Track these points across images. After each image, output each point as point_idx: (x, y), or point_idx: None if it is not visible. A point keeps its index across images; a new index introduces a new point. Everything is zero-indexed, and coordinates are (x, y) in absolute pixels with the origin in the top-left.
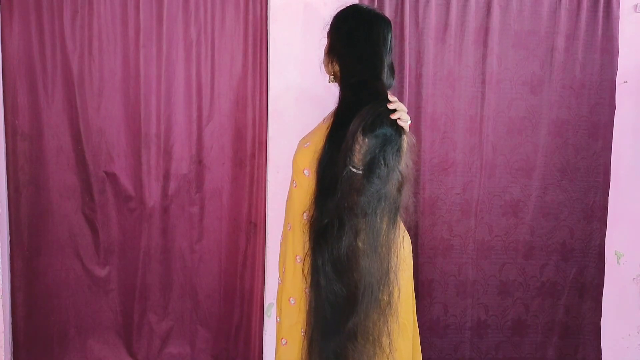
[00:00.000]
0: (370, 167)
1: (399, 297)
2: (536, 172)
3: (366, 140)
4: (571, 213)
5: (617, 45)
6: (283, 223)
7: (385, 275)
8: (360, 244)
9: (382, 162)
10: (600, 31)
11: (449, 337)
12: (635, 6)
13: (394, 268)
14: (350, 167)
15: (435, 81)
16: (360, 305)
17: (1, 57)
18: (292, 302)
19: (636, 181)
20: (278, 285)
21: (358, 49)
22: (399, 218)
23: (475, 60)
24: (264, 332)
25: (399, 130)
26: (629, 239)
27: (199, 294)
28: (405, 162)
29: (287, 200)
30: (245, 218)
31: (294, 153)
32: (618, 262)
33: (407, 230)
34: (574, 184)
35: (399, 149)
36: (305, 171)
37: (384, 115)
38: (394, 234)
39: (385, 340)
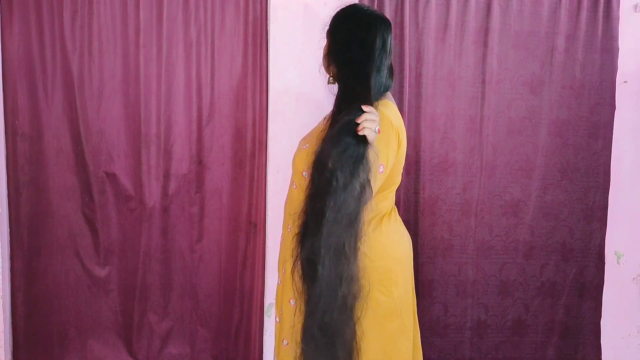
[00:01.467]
0: (332, 175)
1: (361, 302)
2: (536, 172)
3: (333, 149)
4: (571, 213)
5: (617, 45)
6: (282, 224)
7: (345, 283)
8: (322, 250)
9: (341, 171)
10: (600, 31)
11: (449, 337)
12: (635, 6)
13: (356, 274)
14: (326, 173)
15: (435, 81)
16: (318, 308)
17: (1, 57)
18: (292, 303)
19: (636, 181)
20: (277, 286)
21: (356, 52)
22: (366, 225)
23: (475, 60)
24: (264, 332)
25: (360, 140)
26: (629, 239)
27: (199, 293)
28: (367, 172)
29: (286, 202)
30: (245, 218)
31: (294, 153)
32: (618, 262)
33: (407, 230)
34: (574, 184)
35: (358, 159)
36: (304, 173)
37: (350, 124)
38: (354, 241)
39: (352, 344)
